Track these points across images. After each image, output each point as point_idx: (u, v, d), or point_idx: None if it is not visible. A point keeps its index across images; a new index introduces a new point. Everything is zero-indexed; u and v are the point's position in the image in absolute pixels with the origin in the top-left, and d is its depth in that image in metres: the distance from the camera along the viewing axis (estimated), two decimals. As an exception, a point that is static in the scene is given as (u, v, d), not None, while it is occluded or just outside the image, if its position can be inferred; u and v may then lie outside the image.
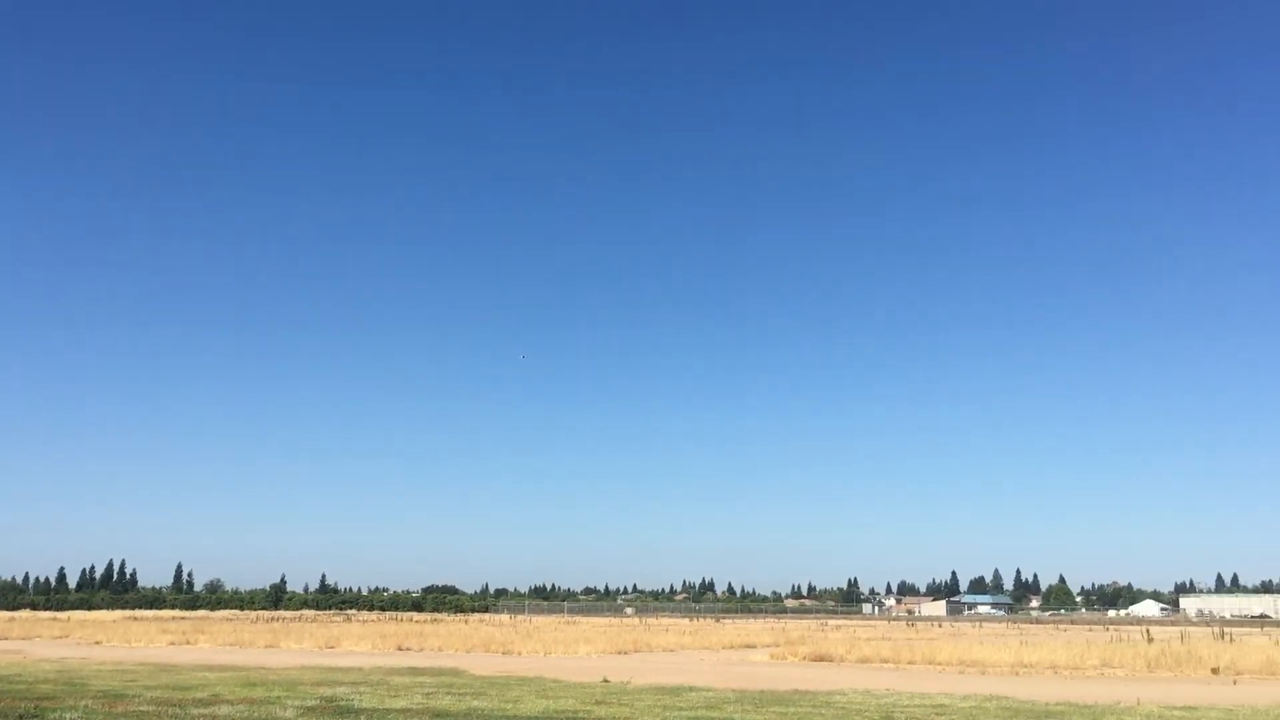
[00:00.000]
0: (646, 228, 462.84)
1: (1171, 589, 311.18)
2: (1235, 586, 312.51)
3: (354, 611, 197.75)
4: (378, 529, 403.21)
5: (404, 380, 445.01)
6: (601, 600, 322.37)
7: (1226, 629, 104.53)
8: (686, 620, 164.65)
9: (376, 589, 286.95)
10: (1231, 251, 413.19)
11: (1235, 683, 37.67)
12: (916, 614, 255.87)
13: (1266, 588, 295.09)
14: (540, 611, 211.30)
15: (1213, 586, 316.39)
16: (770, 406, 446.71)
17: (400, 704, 25.69)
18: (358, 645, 61.26)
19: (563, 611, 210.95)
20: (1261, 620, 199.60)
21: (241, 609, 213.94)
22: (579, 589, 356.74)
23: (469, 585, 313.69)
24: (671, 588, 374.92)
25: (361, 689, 30.14)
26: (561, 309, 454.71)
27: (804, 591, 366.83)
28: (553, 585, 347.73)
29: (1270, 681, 38.32)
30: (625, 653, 58.16)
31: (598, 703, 26.33)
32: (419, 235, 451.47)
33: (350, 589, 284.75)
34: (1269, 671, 42.19)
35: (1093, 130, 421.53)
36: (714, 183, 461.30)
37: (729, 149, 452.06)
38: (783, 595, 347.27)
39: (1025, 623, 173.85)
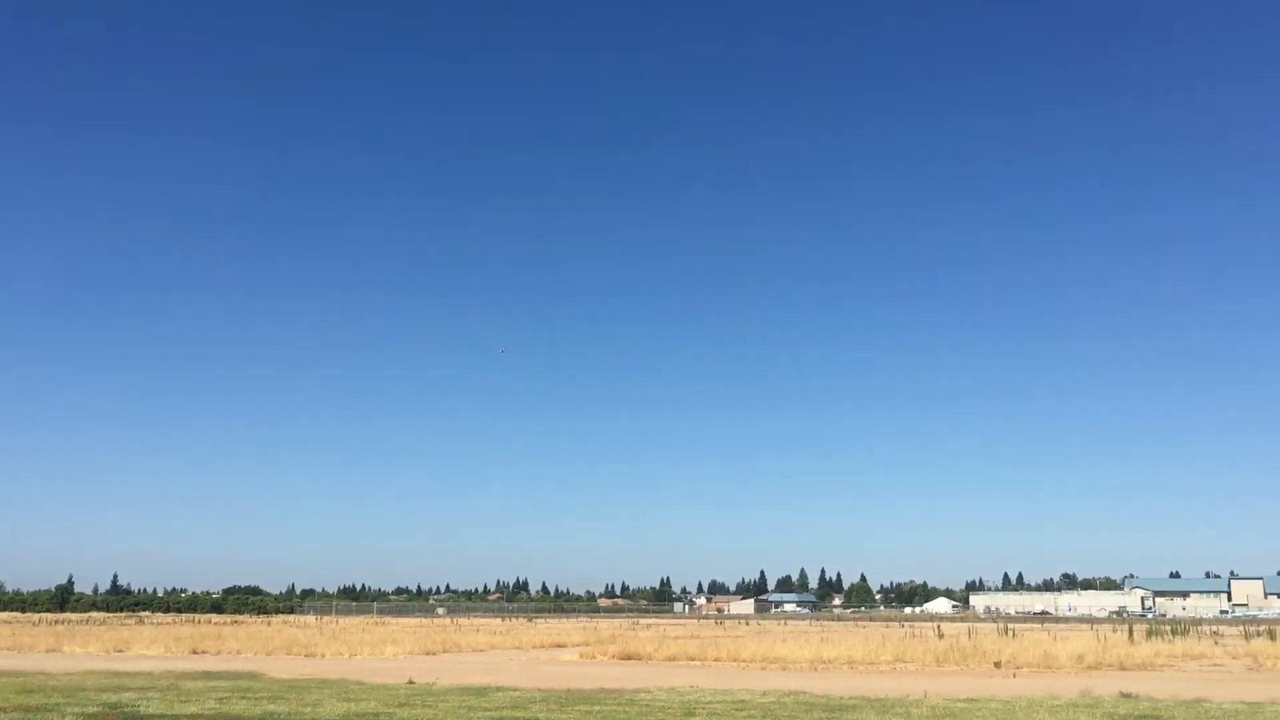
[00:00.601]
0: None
1: (963, 587, 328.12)
2: (1020, 585, 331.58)
3: (148, 614, 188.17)
4: (176, 527, 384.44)
5: (206, 374, 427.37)
6: (413, 601, 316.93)
7: (1011, 625, 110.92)
8: (499, 620, 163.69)
9: (174, 590, 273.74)
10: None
11: (1015, 676, 39.97)
12: (726, 612, 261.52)
13: (1048, 585, 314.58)
14: (349, 613, 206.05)
15: (1000, 585, 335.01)
16: (581, 406, 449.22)
17: (191, 709, 24.61)
18: (149, 648, 58.41)
19: (372, 612, 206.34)
20: (1042, 617, 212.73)
21: (23, 611, 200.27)
22: (390, 589, 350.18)
23: (275, 586, 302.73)
24: (485, 588, 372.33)
25: (150, 694, 28.73)
26: (383, 303, 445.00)
27: (618, 591, 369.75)
28: (363, 586, 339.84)
29: (1046, 675, 40.83)
30: (434, 653, 57.41)
31: (401, 704, 25.87)
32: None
33: (145, 590, 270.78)
34: (1045, 665, 45.05)
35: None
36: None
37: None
38: (596, 595, 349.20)
39: (828, 620, 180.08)
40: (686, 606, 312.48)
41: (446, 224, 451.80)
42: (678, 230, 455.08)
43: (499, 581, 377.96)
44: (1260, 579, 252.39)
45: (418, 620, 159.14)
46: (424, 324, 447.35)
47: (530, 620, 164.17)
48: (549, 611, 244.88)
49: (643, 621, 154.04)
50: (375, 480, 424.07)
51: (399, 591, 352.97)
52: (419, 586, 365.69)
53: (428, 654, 56.62)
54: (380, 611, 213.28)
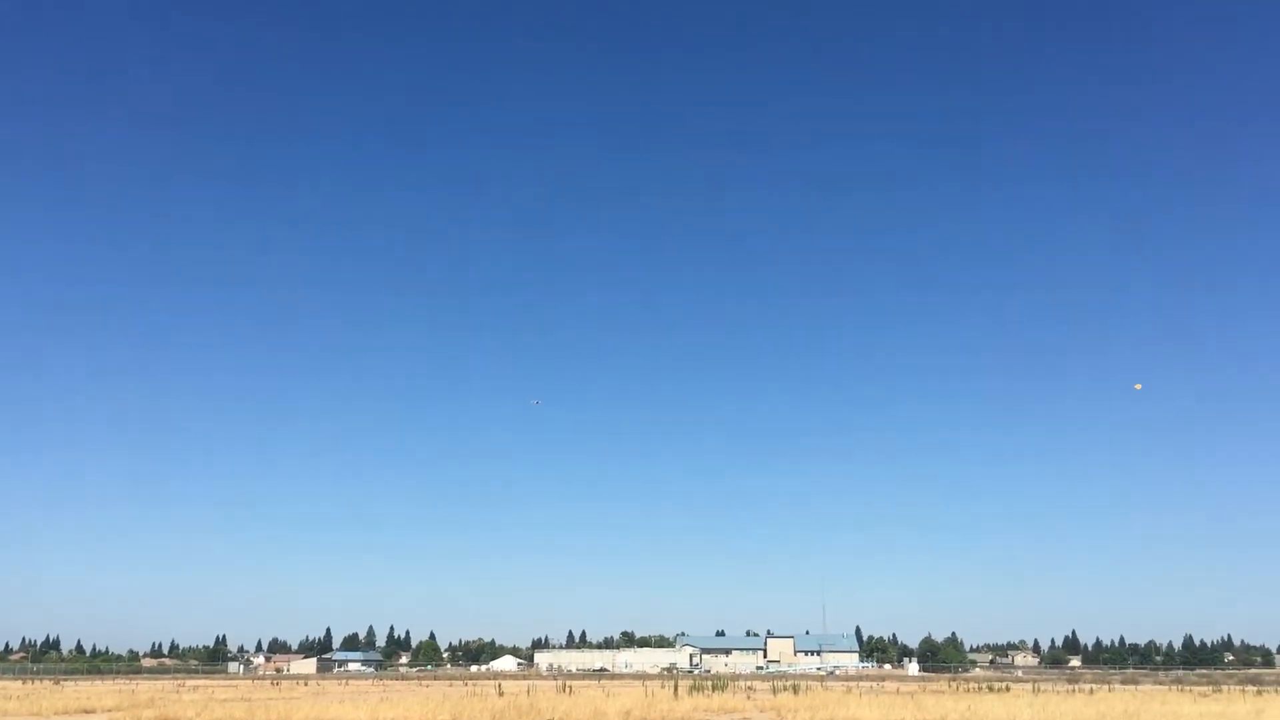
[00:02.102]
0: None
1: (529, 645, 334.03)
2: (584, 642, 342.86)
3: None
4: None
5: None
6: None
7: (570, 682, 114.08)
8: (18, 683, 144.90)
9: None
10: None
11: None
12: (286, 672, 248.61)
13: (608, 643, 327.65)
14: None
15: (565, 643, 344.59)
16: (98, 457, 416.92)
17: None
18: None
19: None
20: (600, 674, 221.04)
21: None
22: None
23: None
24: (7, 646, 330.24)
25: None
26: None
27: (165, 650, 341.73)
28: None
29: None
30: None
31: None
32: None
33: None
34: (595, 717, 46.67)
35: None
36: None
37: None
38: (140, 654, 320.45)
39: (393, 679, 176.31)
40: (243, 666, 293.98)
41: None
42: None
43: (24, 639, 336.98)
44: (792, 637, 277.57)
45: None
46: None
47: (57, 683, 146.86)
48: (82, 673, 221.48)
49: (190, 683, 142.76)
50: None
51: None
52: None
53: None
54: None
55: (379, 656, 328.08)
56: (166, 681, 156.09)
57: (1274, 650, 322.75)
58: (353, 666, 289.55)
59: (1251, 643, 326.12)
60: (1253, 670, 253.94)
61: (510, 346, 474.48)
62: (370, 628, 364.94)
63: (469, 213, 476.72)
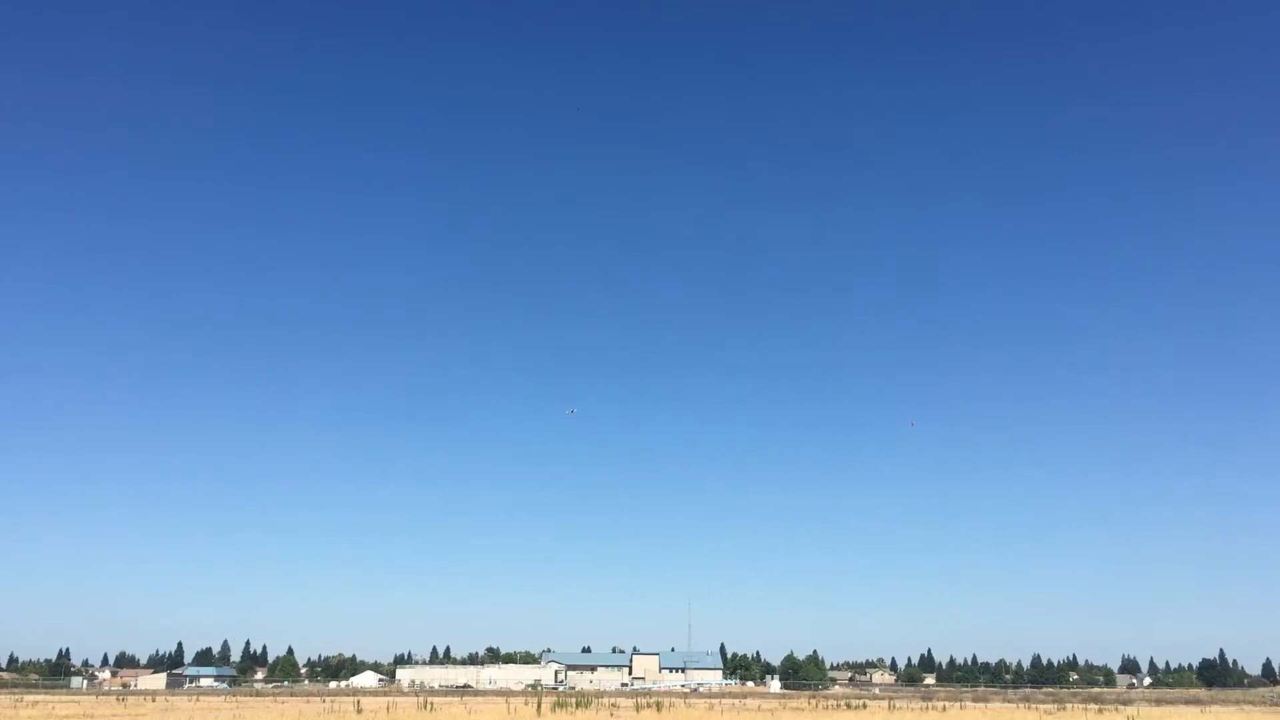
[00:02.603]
0: None
1: (392, 660, 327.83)
2: (448, 659, 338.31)
3: None
4: None
5: None
6: None
7: (432, 699, 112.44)
8: None
9: None
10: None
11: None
12: (133, 687, 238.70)
13: (473, 659, 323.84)
14: None
15: (429, 658, 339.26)
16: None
17: None
18: None
19: None
20: (464, 690, 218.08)
21: None
22: None
23: None
24: None
25: None
26: None
27: (3, 663, 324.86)
28: None
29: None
30: None
31: None
32: None
33: None
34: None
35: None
36: None
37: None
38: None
39: (247, 695, 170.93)
40: (87, 681, 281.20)
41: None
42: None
43: None
44: (657, 655, 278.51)
45: None
46: None
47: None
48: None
49: (29, 698, 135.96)
50: None
51: None
52: None
53: None
54: None
55: (233, 672, 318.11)
56: (3, 697, 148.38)
57: (1115, 670, 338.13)
58: (205, 682, 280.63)
59: (1095, 663, 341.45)
60: (1095, 689, 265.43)
61: (347, 350, 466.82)
62: (225, 642, 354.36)
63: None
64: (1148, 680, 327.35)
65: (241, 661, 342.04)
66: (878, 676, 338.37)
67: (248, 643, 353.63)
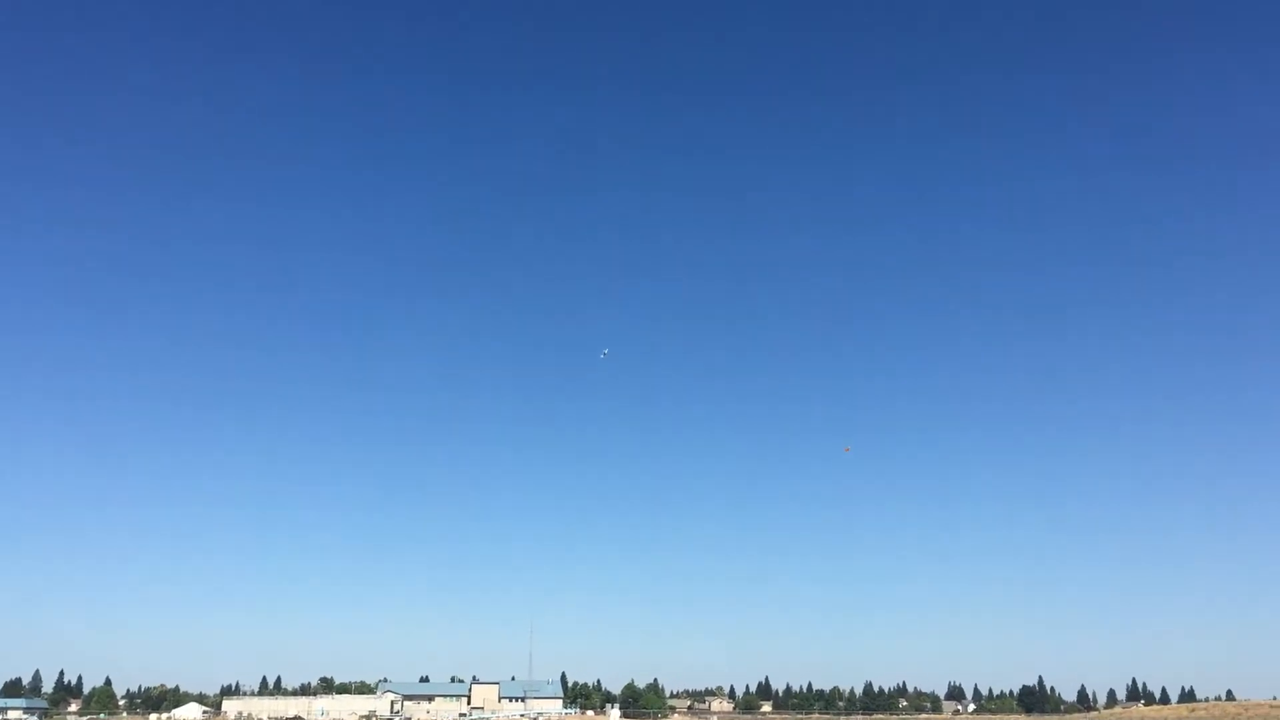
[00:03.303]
0: None
1: (218, 691, 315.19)
2: (278, 689, 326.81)
3: None
4: None
5: None
6: None
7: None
8: None
9: None
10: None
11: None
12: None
13: (305, 689, 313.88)
14: None
15: (258, 689, 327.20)
16: None
17: None
18: None
19: None
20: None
21: None
22: None
23: None
24: None
25: None
26: None
27: None
28: None
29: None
30: None
31: None
32: None
33: None
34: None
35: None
36: None
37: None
38: None
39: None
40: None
41: None
42: None
43: None
44: (497, 684, 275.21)
45: None
46: None
47: None
48: None
49: None
50: None
51: None
52: None
53: None
54: None
55: (45, 704, 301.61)
56: None
57: (941, 696, 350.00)
58: (13, 715, 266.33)
59: (923, 689, 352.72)
60: (923, 715, 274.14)
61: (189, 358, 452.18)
62: (36, 671, 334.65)
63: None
64: (972, 706, 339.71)
65: (54, 693, 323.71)
66: (716, 704, 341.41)
67: (61, 672, 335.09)
